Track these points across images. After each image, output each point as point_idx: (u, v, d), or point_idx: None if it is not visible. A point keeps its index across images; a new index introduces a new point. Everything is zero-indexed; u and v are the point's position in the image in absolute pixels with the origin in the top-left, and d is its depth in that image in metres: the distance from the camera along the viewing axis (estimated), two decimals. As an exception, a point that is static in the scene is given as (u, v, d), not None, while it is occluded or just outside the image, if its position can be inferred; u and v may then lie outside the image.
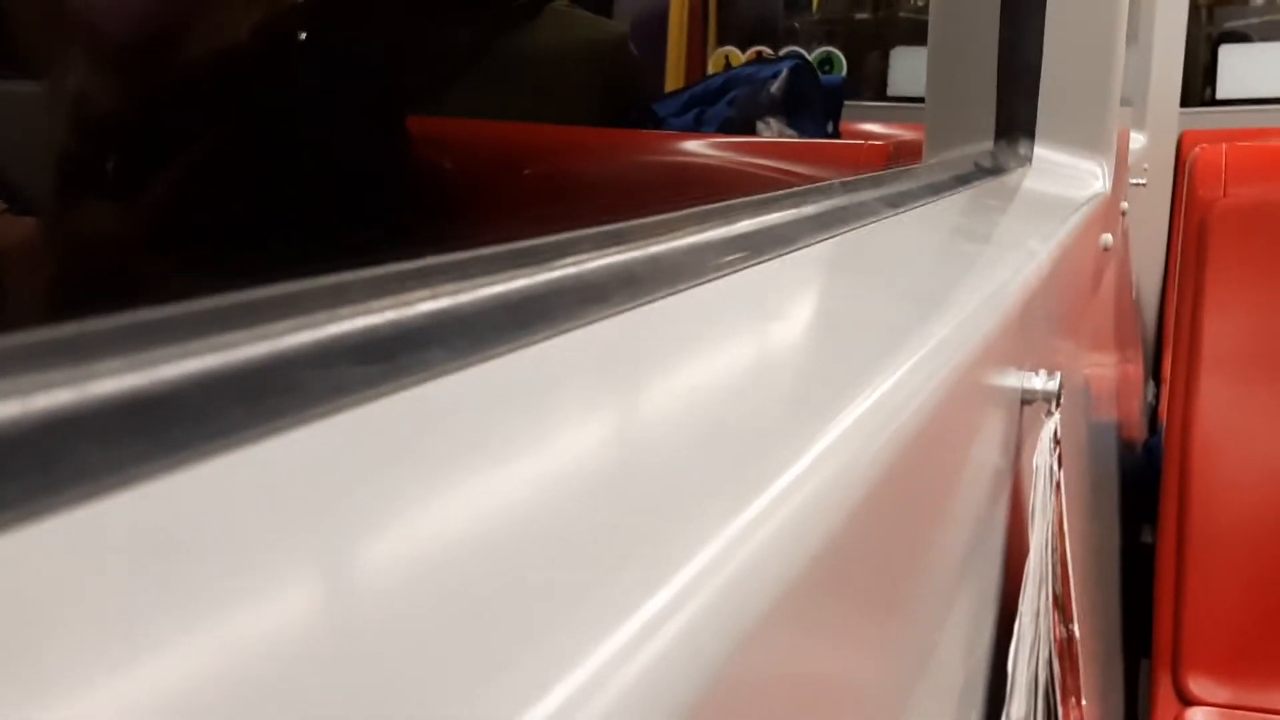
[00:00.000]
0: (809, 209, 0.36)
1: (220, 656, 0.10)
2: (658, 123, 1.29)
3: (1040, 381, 0.39)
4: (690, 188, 0.98)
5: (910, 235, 0.43)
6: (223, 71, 0.82)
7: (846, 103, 1.47)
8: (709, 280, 0.25)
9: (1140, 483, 1.14)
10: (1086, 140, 0.82)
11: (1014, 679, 0.31)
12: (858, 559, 0.20)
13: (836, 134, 1.38)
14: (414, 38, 1.22)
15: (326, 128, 0.85)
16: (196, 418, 0.12)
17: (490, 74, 1.22)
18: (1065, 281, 0.55)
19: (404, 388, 0.15)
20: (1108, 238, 0.83)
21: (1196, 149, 1.07)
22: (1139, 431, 1.41)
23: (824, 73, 2.25)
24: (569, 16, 1.27)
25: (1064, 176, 0.79)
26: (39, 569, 0.10)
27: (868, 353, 0.25)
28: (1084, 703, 0.44)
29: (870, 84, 2.63)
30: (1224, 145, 1.05)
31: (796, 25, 2.81)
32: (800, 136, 1.28)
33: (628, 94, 1.28)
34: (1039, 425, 0.40)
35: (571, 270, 0.21)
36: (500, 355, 0.17)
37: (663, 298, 0.23)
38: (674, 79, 2.43)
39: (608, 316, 0.20)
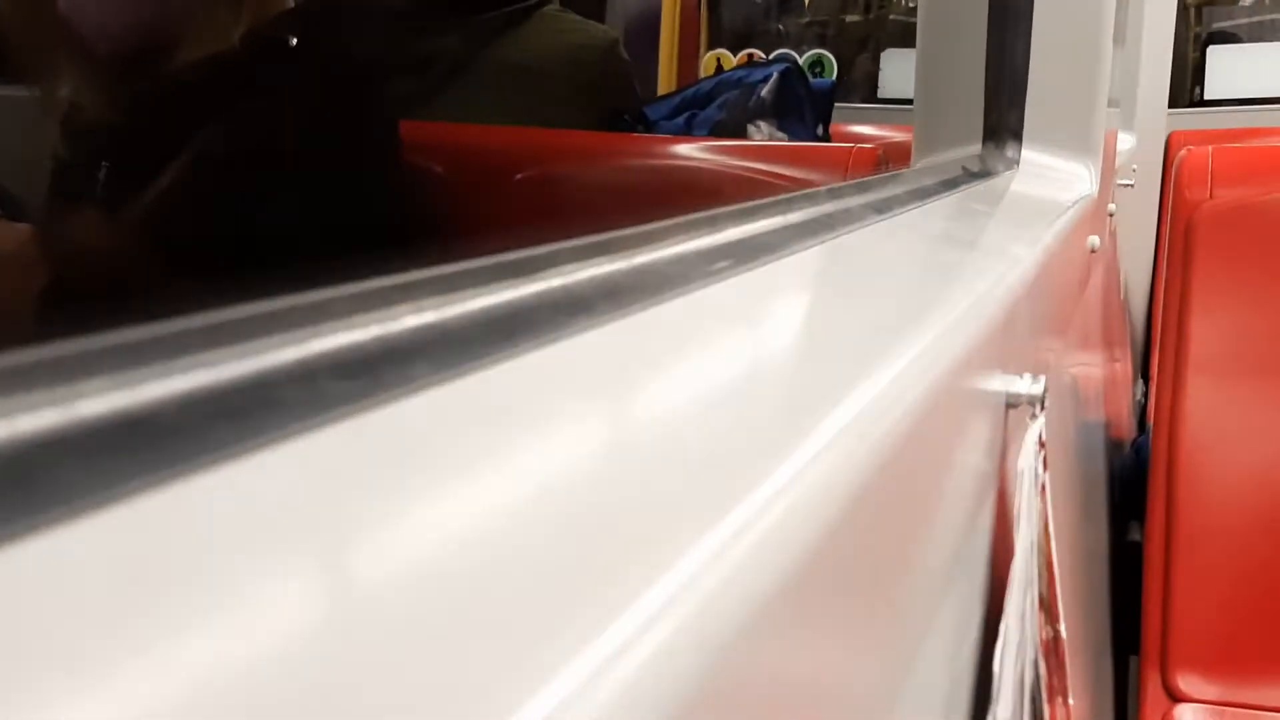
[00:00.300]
0: (795, 216, 0.36)
1: (205, 676, 0.10)
2: (649, 126, 1.29)
3: (1025, 385, 0.39)
4: (681, 191, 0.98)
5: (897, 241, 0.43)
6: (212, 79, 0.82)
7: (837, 105, 1.47)
8: (694, 290, 0.26)
9: (1129, 481, 1.14)
10: (1074, 143, 0.82)
11: (999, 681, 0.31)
12: (843, 565, 0.20)
13: (827, 137, 1.38)
14: (405, 43, 1.22)
15: (317, 134, 0.85)
16: (179, 435, 0.12)
17: (482, 79, 1.22)
18: (1052, 284, 0.55)
19: (387, 403, 0.15)
20: (1095, 239, 0.84)
21: (1183, 151, 1.07)
22: (1128, 430, 1.42)
23: (815, 75, 2.26)
24: (560, 21, 1.28)
25: (1051, 179, 0.79)
26: (21, 590, 0.10)
27: (852, 359, 0.25)
28: (1071, 701, 0.45)
29: (861, 86, 2.64)
30: (1210, 147, 1.05)
31: (787, 28, 2.82)
32: (790, 139, 1.28)
33: (619, 98, 1.28)
34: (1024, 428, 0.40)
35: (556, 282, 0.21)
36: (484, 368, 0.17)
37: (647, 308, 0.23)
38: (666, 82, 2.43)
39: (592, 328, 0.21)
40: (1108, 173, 0.95)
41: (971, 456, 0.34)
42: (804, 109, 1.30)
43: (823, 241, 0.35)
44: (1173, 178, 1.04)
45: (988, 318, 0.34)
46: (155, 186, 0.81)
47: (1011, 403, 0.38)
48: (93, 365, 0.12)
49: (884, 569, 0.25)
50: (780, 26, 2.81)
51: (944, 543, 0.31)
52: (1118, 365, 1.41)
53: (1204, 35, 2.60)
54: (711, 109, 1.28)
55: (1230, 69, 2.47)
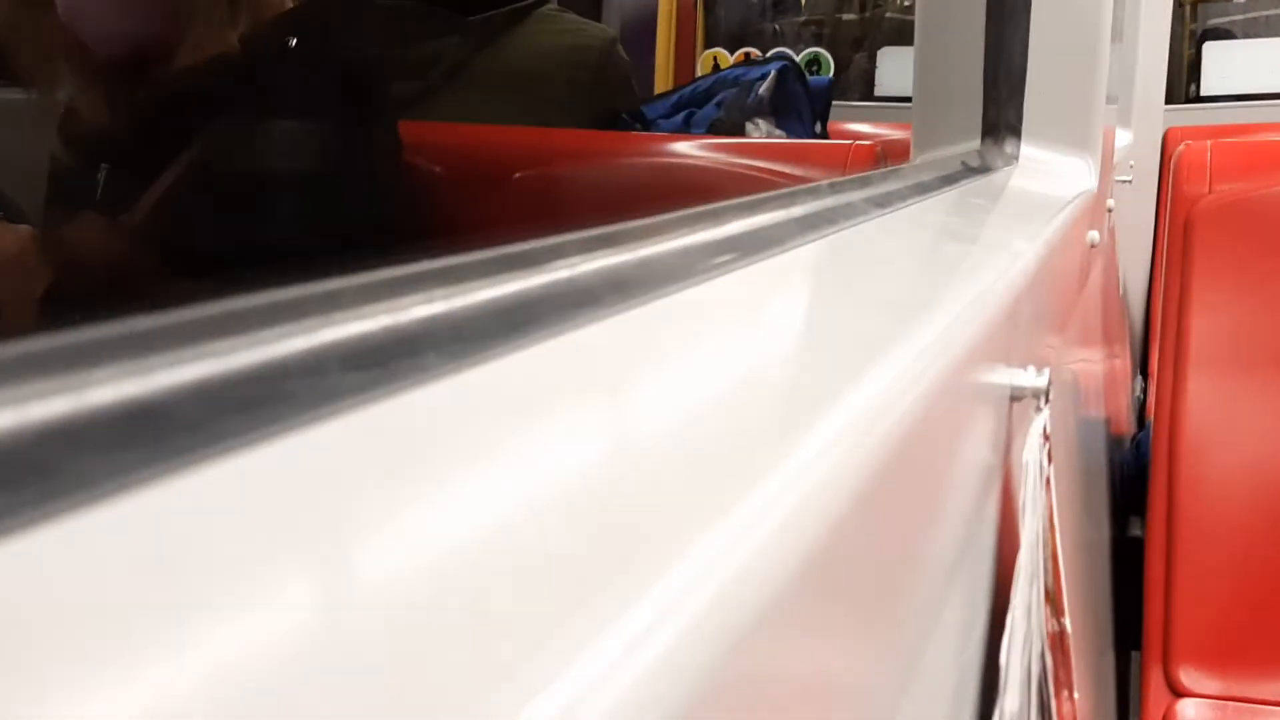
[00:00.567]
0: (797, 210, 0.36)
1: (217, 666, 0.10)
2: (647, 125, 1.29)
3: (1029, 377, 0.39)
4: (680, 189, 0.98)
5: (898, 235, 0.43)
6: (211, 82, 0.82)
7: (834, 103, 1.47)
8: (699, 282, 0.25)
9: (1129, 477, 1.14)
10: (1072, 138, 0.82)
11: (1007, 673, 0.31)
12: (850, 558, 0.20)
13: (824, 134, 1.38)
14: (403, 44, 1.22)
15: (316, 136, 0.85)
16: (191, 426, 0.12)
17: (481, 79, 1.22)
18: (1052, 279, 0.55)
19: (398, 393, 0.15)
20: (1094, 234, 0.84)
21: (1181, 146, 1.07)
22: (1127, 426, 1.42)
23: (811, 73, 2.26)
24: (558, 21, 1.28)
25: (1050, 175, 0.79)
26: (36, 578, 0.10)
27: (858, 353, 0.25)
28: (1076, 695, 0.45)
29: (857, 84, 2.64)
30: (1208, 142, 1.05)
31: (784, 27, 2.82)
32: (788, 137, 1.28)
33: (617, 97, 1.28)
34: (1028, 421, 0.40)
35: (563, 274, 0.21)
36: (493, 359, 0.17)
37: (653, 300, 0.23)
38: (662, 81, 2.43)
39: (598, 320, 0.21)
40: (1106, 168, 0.96)
41: (976, 449, 0.34)
42: (802, 107, 1.30)
43: (825, 236, 0.35)
44: (1171, 173, 1.05)
45: (991, 311, 0.34)
46: (155, 190, 0.80)
47: (1016, 395, 0.38)
48: (103, 354, 0.12)
49: (891, 562, 0.25)
50: (776, 25, 2.81)
51: (950, 536, 0.31)
52: (1117, 361, 1.41)
53: (1199, 32, 2.60)
54: (709, 107, 1.28)
55: (1226, 65, 2.47)
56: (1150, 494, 0.97)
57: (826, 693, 0.21)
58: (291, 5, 0.88)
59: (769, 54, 2.48)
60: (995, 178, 0.71)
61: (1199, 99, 2.47)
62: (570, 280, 0.21)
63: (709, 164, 1.03)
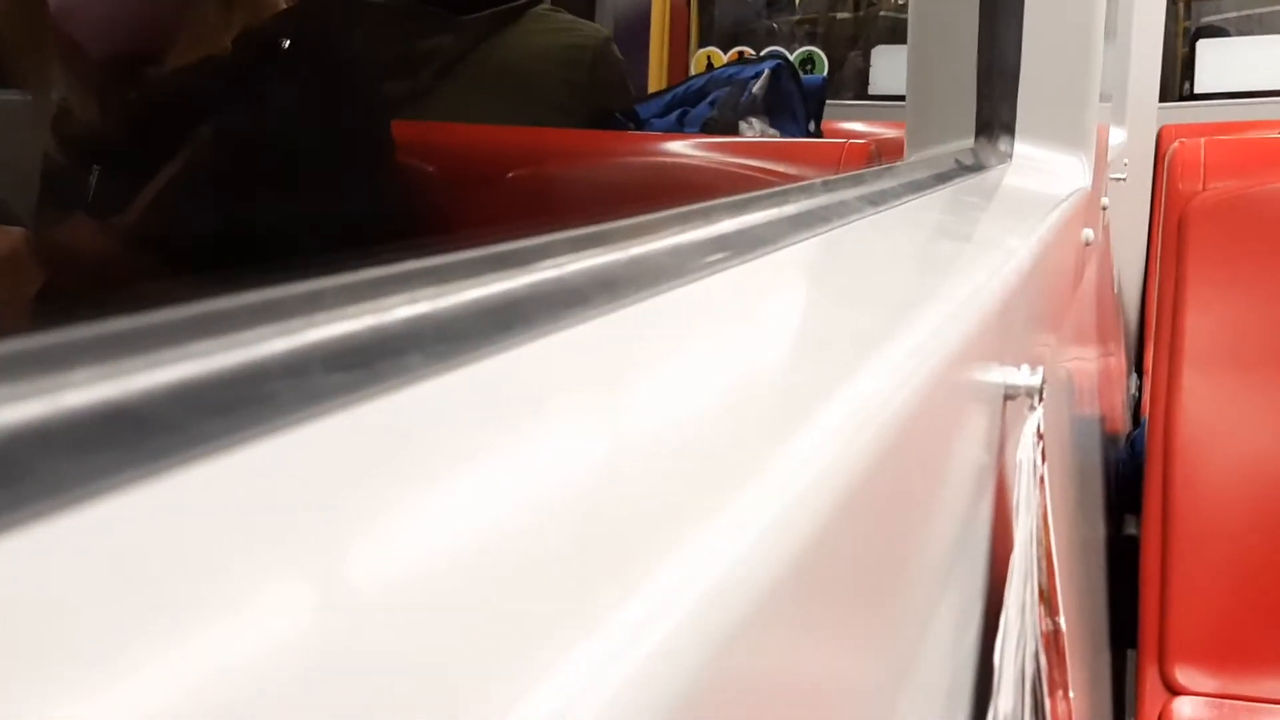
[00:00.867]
0: (790, 209, 0.36)
1: (197, 670, 0.10)
2: (640, 124, 1.29)
3: (1023, 376, 0.39)
4: (674, 188, 0.98)
5: (892, 233, 0.43)
6: (205, 82, 0.82)
7: (828, 102, 1.47)
8: (690, 281, 0.25)
9: (1124, 475, 1.15)
10: (1067, 136, 0.82)
11: (1000, 674, 0.31)
12: (842, 558, 0.20)
13: (819, 133, 1.38)
14: (397, 44, 1.22)
15: (309, 136, 0.84)
16: (169, 428, 0.12)
17: (474, 78, 1.22)
18: (1047, 276, 0.55)
19: (382, 394, 0.15)
20: (1089, 232, 0.84)
21: (1175, 143, 1.07)
22: (1122, 424, 1.42)
23: (805, 72, 2.26)
24: (551, 20, 1.27)
25: (1045, 172, 0.79)
26: (8, 583, 0.10)
27: (851, 350, 0.25)
28: (1071, 695, 0.45)
29: (851, 83, 2.64)
30: (1202, 139, 1.05)
31: (778, 25, 2.82)
32: (782, 136, 1.28)
33: (612, 97, 1.28)
34: (1022, 420, 0.40)
35: (551, 273, 0.21)
36: (479, 360, 0.17)
37: (643, 300, 0.23)
38: (656, 80, 2.43)
39: (587, 320, 0.20)
40: (1100, 166, 0.96)
41: (970, 448, 0.34)
42: (795, 106, 1.30)
43: (818, 234, 0.35)
44: (1165, 170, 1.05)
45: (985, 309, 0.34)
46: (148, 190, 0.80)
47: (1009, 394, 0.38)
48: (80, 356, 0.12)
49: (885, 561, 0.25)
50: (770, 24, 2.81)
51: (944, 535, 0.31)
52: (1111, 359, 1.41)
53: (1193, 29, 2.61)
54: (703, 106, 1.28)
55: (1219, 63, 2.47)
56: (1145, 492, 0.97)
57: (819, 693, 0.20)
58: (285, 5, 0.87)
59: (763, 53, 2.48)
60: (989, 176, 0.71)
61: (1193, 96, 2.48)
62: (558, 279, 0.21)
63: (703, 163, 1.03)
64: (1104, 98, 0.96)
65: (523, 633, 0.12)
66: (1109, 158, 1.13)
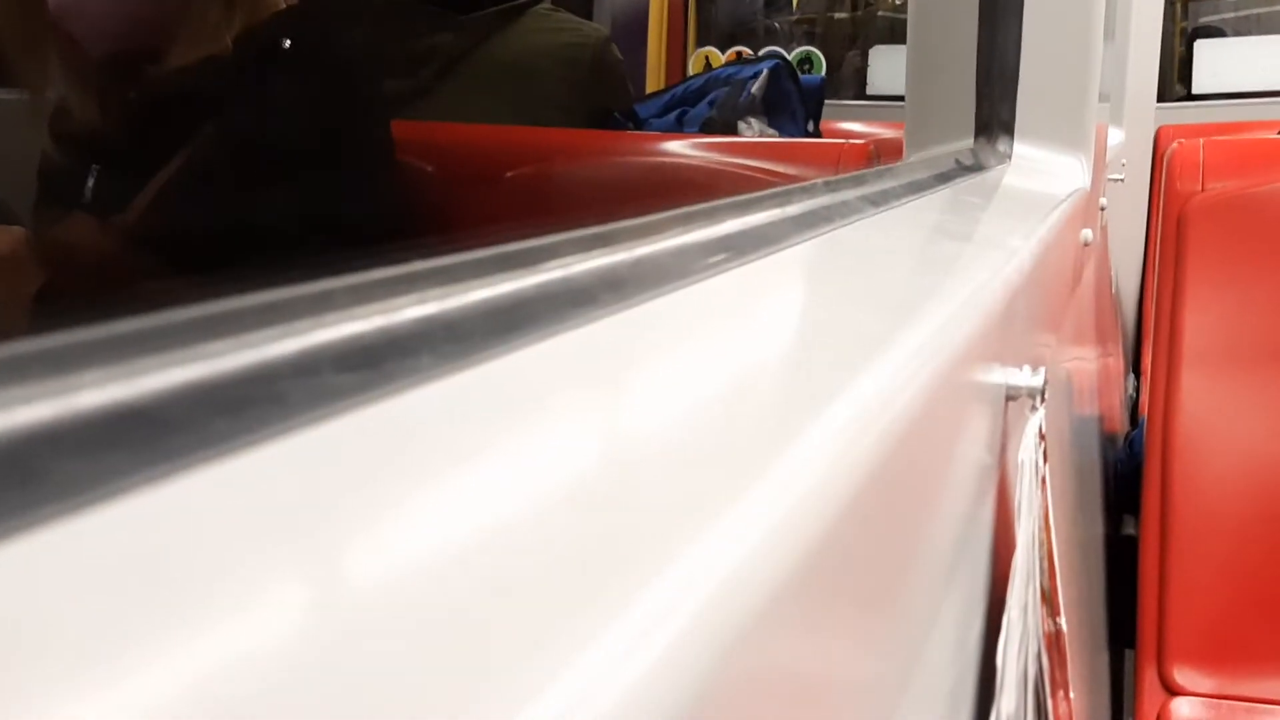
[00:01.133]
0: (793, 209, 0.36)
1: (208, 670, 0.10)
2: (639, 123, 1.29)
3: (1024, 377, 0.39)
4: (673, 188, 0.98)
5: (894, 233, 0.43)
6: (205, 81, 0.82)
7: (826, 102, 1.47)
8: (695, 282, 0.25)
9: (1123, 475, 1.15)
10: (1066, 136, 0.82)
11: (1003, 674, 0.31)
12: (846, 559, 0.20)
13: (817, 133, 1.38)
14: (397, 43, 1.22)
15: (309, 135, 0.84)
16: (179, 429, 0.12)
17: (474, 77, 1.22)
18: (1047, 277, 0.55)
19: (391, 394, 0.15)
20: (1088, 233, 0.84)
21: (1174, 144, 1.07)
22: (1120, 424, 1.42)
23: (803, 72, 2.26)
24: (552, 19, 1.27)
25: (1044, 173, 0.79)
26: (21, 584, 0.10)
27: (853, 352, 0.25)
28: (1072, 695, 0.45)
29: (849, 83, 2.64)
30: (1201, 140, 1.06)
31: (776, 25, 2.82)
32: (781, 136, 1.28)
33: (611, 96, 1.28)
34: (1024, 420, 0.40)
35: (558, 273, 0.21)
36: (488, 360, 0.17)
37: (649, 300, 0.23)
38: (654, 80, 2.43)
39: (594, 320, 0.20)
40: (1099, 167, 0.96)
41: (972, 449, 0.34)
42: (794, 105, 1.30)
43: (821, 234, 0.35)
44: (1163, 170, 1.05)
45: (986, 309, 0.34)
46: (148, 189, 0.80)
47: (1011, 395, 0.38)
48: (92, 357, 0.12)
49: (889, 561, 0.25)
50: (768, 24, 2.81)
51: (947, 536, 0.31)
52: (1110, 360, 1.42)
53: (1190, 30, 2.61)
54: (702, 106, 1.28)
55: (1217, 63, 2.47)
56: (1144, 492, 0.97)
57: (823, 694, 0.20)
58: (285, 5, 0.87)
59: (761, 53, 2.48)
60: (989, 176, 0.71)
61: (1190, 97, 2.48)
62: (565, 280, 0.21)
63: (702, 163, 1.03)
64: (1102, 98, 0.96)
65: (530, 633, 0.12)
66: (1107, 158, 1.13)
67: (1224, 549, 0.93)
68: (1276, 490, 0.93)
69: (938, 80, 0.81)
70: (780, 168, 1.00)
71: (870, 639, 0.23)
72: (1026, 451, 0.39)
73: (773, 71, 1.30)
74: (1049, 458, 0.44)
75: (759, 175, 0.99)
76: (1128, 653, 1.00)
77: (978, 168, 0.72)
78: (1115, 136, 1.49)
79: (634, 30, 2.43)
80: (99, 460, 0.11)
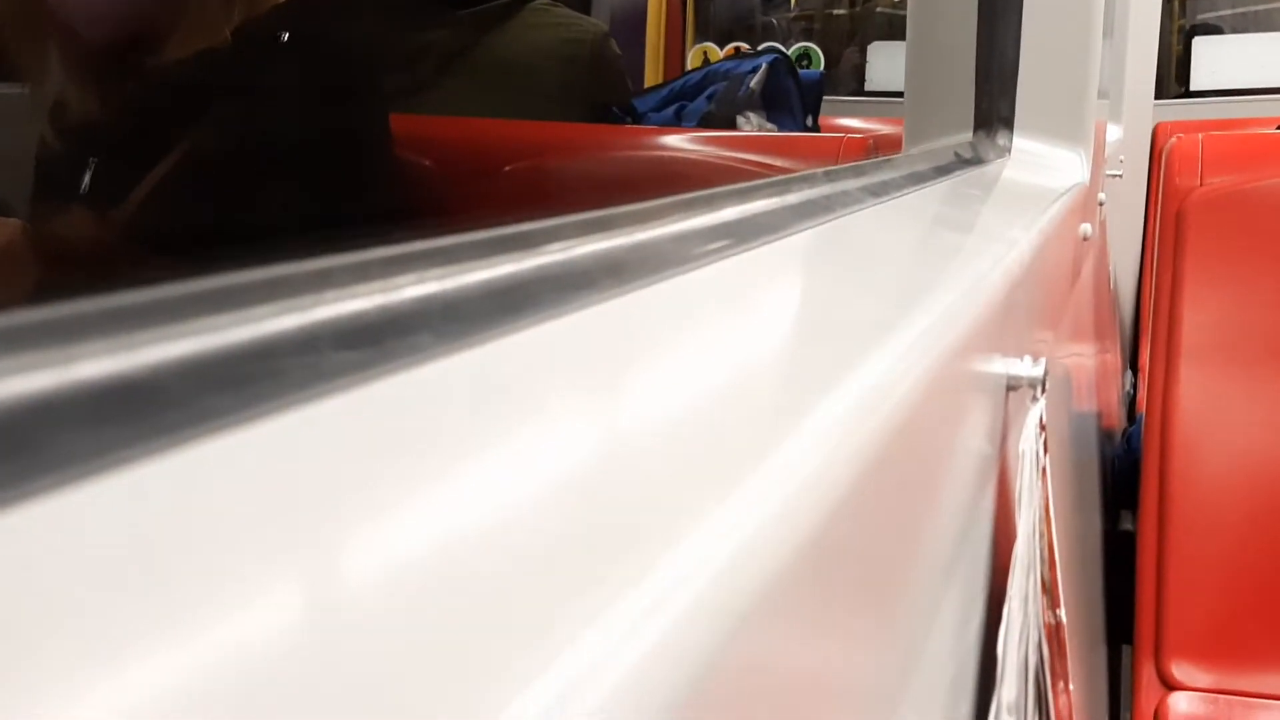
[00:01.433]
0: (792, 198, 0.36)
1: (205, 647, 0.10)
2: (638, 118, 1.29)
3: (1025, 367, 0.39)
4: (671, 182, 0.98)
5: (894, 224, 0.43)
6: (203, 74, 0.81)
7: (824, 98, 1.47)
8: (695, 268, 0.25)
9: (1120, 470, 1.15)
10: (1065, 131, 0.82)
11: (1004, 664, 0.31)
12: (846, 549, 0.20)
13: (816, 128, 1.38)
14: (396, 37, 1.22)
15: (308, 129, 0.84)
16: (179, 403, 0.12)
17: (473, 72, 1.22)
18: (1047, 270, 0.55)
19: (391, 373, 0.15)
20: (1087, 227, 0.84)
21: (1173, 139, 1.07)
22: (1118, 420, 1.42)
23: (801, 68, 2.25)
24: (550, 14, 1.27)
25: (1043, 167, 0.79)
26: (18, 556, 0.10)
27: (855, 339, 0.25)
28: (1071, 688, 0.45)
29: (847, 80, 2.64)
30: (1200, 135, 1.05)
31: (773, 21, 2.82)
32: (780, 131, 1.28)
33: (610, 91, 1.27)
34: (1024, 411, 0.40)
35: (558, 256, 0.21)
36: (488, 341, 0.17)
37: (649, 285, 0.23)
38: (652, 76, 2.43)
39: (594, 304, 0.20)
40: (1098, 162, 0.96)
41: (973, 439, 0.34)
42: (793, 101, 1.30)
43: (821, 223, 0.35)
44: (1162, 165, 1.05)
45: (988, 299, 0.34)
46: (146, 182, 0.80)
47: (1012, 385, 0.38)
48: (90, 329, 0.12)
49: (890, 550, 0.24)
50: (766, 20, 2.81)
51: (948, 525, 0.31)
52: (1107, 356, 1.42)
53: (1188, 27, 2.61)
54: (700, 101, 1.28)
55: (1214, 60, 2.48)
56: (1142, 487, 0.97)
57: (824, 683, 0.20)
58: (282, -2, 0.87)
59: (759, 48, 2.47)
60: (988, 169, 0.71)
61: (1188, 94, 2.48)
62: (565, 263, 0.21)
63: (701, 157, 1.03)
64: (1101, 94, 0.96)
65: (526, 618, 0.12)
66: (1105, 154, 1.13)
67: (1222, 544, 0.93)
68: (1274, 486, 0.94)
69: (937, 74, 0.81)
70: (779, 162, 1.00)
71: (871, 627, 0.23)
72: (1027, 442, 0.39)
73: (772, 66, 1.29)
74: (1048, 450, 0.44)
75: (758, 169, 0.99)
76: (1125, 648, 1.00)
77: (977, 161, 0.72)
78: (1113, 132, 1.49)
79: (632, 26, 2.43)
80: (96, 433, 0.11)
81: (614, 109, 1.26)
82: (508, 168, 1.02)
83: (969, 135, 0.79)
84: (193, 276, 0.13)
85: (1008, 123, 0.81)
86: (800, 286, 0.31)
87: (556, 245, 0.21)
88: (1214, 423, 0.95)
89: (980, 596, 0.35)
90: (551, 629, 0.12)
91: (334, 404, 0.14)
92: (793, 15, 2.84)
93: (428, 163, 1.03)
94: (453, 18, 1.23)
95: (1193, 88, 2.49)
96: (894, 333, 0.26)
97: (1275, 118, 1.74)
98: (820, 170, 0.43)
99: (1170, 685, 0.91)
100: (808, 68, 2.54)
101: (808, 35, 2.75)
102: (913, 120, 0.82)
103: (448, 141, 1.05)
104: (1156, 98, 2.21)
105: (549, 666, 0.11)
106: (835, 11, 2.81)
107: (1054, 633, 0.41)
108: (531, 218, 0.22)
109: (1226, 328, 0.96)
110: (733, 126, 1.25)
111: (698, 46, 2.62)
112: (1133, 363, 1.84)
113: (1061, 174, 0.79)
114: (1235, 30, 2.63)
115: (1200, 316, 0.96)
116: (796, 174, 0.39)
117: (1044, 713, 0.36)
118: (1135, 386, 1.69)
